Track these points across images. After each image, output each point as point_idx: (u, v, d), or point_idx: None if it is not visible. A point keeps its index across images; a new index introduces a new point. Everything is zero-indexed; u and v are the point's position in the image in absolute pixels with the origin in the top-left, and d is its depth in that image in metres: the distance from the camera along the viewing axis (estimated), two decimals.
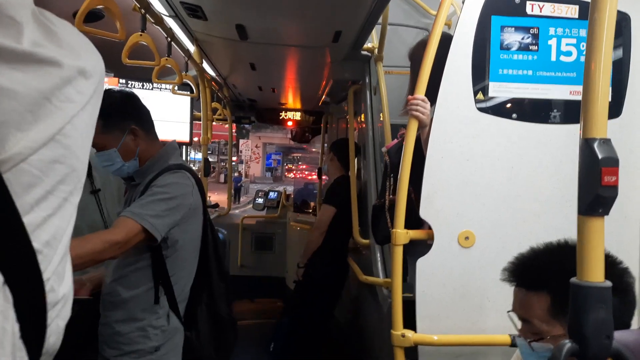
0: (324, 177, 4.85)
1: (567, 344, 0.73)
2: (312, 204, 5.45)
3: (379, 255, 2.45)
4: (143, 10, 1.74)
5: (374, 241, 2.44)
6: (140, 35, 1.73)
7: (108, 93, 1.52)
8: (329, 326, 3.36)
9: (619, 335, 0.76)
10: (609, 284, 0.75)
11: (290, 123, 5.30)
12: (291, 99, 4.70)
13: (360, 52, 2.82)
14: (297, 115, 5.20)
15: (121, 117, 1.50)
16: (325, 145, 4.97)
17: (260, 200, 5.66)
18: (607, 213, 0.76)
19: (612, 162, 0.74)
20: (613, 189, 0.74)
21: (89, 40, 0.53)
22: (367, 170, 2.79)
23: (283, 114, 5.17)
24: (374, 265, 2.44)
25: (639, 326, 0.97)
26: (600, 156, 0.74)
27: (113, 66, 2.93)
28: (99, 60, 0.54)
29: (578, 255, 0.77)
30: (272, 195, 5.68)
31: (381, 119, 2.82)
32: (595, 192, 0.74)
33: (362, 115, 3.05)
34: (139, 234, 1.38)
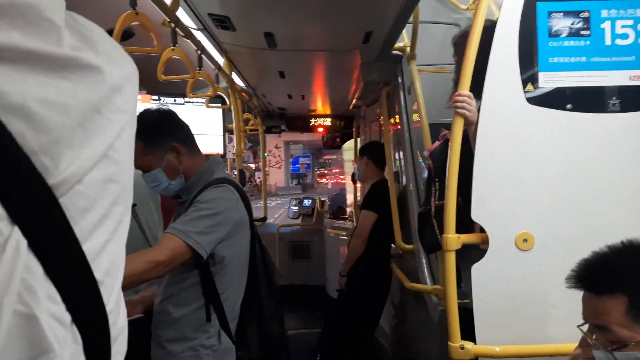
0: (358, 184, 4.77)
1: None
2: (347, 210, 5.38)
3: (424, 261, 2.35)
4: (173, 25, 1.73)
5: (420, 246, 2.34)
6: (173, 49, 1.72)
7: (144, 113, 1.52)
8: (374, 335, 3.26)
9: None
10: None
11: (320, 129, 5.26)
12: (321, 104, 4.66)
13: (391, 52, 2.75)
14: (328, 121, 5.16)
15: (161, 136, 1.48)
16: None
17: (295, 209, 5.63)
18: None
19: None
20: None
21: (120, 46, 0.50)
22: (407, 173, 2.69)
23: (313, 120, 5.14)
24: (421, 272, 2.34)
25: None
26: None
27: (142, 83, 2.96)
28: (134, 66, 0.50)
29: None
30: (306, 202, 5.64)
31: (417, 119, 2.73)
32: None
33: (397, 117, 2.96)
34: (184, 252, 1.35)
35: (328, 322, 3.38)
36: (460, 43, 1.74)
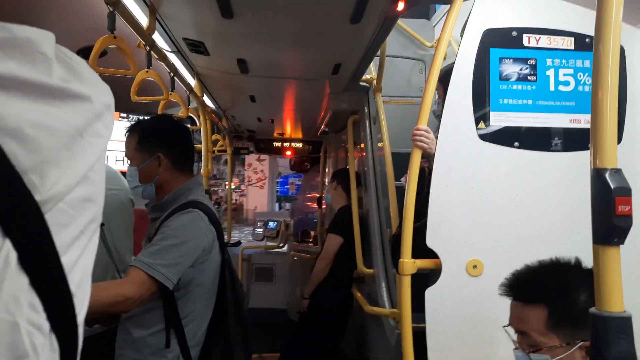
0: (323, 205, 4.85)
1: None
2: (312, 233, 5.43)
3: (384, 285, 2.43)
4: (148, 48, 1.78)
5: (380, 271, 2.42)
6: (147, 72, 1.76)
7: (162, 117, 1.64)
8: (335, 358, 3.28)
9: None
10: (629, 313, 0.75)
11: (288, 152, 5.34)
12: (290, 129, 4.75)
13: (359, 83, 2.88)
14: (296, 145, 5.25)
15: (154, 142, 1.55)
16: (326, 173, 4.99)
17: (259, 230, 5.63)
18: (622, 242, 0.76)
19: (625, 191, 0.75)
20: (627, 219, 0.75)
21: (99, 77, 0.53)
22: (369, 199, 2.79)
23: (281, 143, 5.22)
24: (379, 296, 2.41)
25: None
26: (612, 186, 0.75)
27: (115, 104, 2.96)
28: (112, 95, 0.54)
29: (596, 286, 0.78)
30: (271, 224, 5.65)
31: (380, 145, 2.85)
32: (610, 221, 0.75)
33: (362, 145, 3.08)
34: (151, 285, 1.35)
35: (289, 345, 3.38)
36: (444, 78, 1.83)
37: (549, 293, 1.03)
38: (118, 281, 1.42)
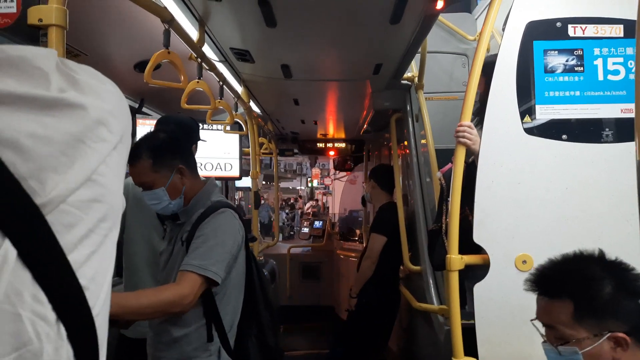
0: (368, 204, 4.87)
1: None
2: (357, 231, 5.47)
3: (431, 281, 2.43)
4: (199, 60, 1.89)
5: (427, 267, 2.43)
6: (197, 82, 1.87)
7: (158, 132, 1.58)
8: (383, 356, 3.31)
9: None
10: None
11: (332, 153, 5.40)
12: (332, 129, 4.81)
13: (400, 81, 2.89)
14: (339, 145, 5.31)
15: (171, 156, 1.55)
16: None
17: (306, 230, 5.73)
18: None
19: None
20: None
21: (113, 84, 0.56)
22: (414, 196, 2.80)
23: (324, 144, 5.29)
24: (427, 292, 2.42)
25: None
26: None
27: (164, 106, 3.15)
28: (122, 100, 0.56)
29: None
30: (317, 224, 5.75)
31: (423, 142, 2.85)
32: None
33: (405, 142, 3.09)
34: (203, 284, 1.43)
35: (338, 342, 3.44)
36: (486, 70, 1.77)
37: (573, 287, 1.05)
38: (174, 284, 1.48)
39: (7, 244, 0.42)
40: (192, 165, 1.62)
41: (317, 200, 12.95)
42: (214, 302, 1.52)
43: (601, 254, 1.09)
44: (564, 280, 1.07)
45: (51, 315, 0.44)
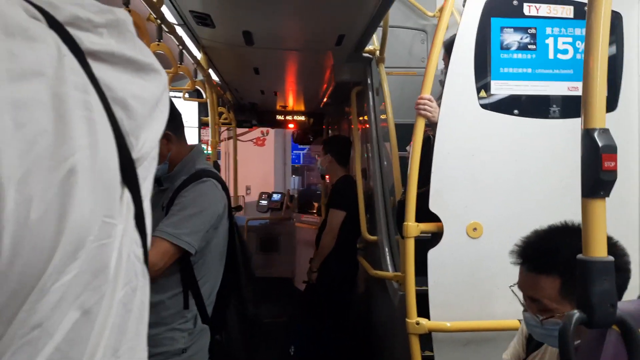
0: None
1: (576, 314, 0.81)
2: (315, 204, 5.54)
3: (387, 250, 2.53)
4: (159, 21, 1.82)
5: (383, 237, 2.52)
6: (158, 44, 1.81)
7: None
8: (342, 325, 3.42)
9: (622, 305, 0.84)
10: (611, 258, 0.83)
11: (291, 125, 5.38)
12: (292, 101, 4.78)
13: (362, 54, 2.91)
14: (298, 118, 5.29)
15: None
16: None
17: (264, 202, 5.73)
18: (607, 195, 0.84)
19: (611, 149, 0.83)
20: (612, 173, 0.83)
21: None
22: (373, 169, 2.87)
23: (284, 116, 5.26)
24: (383, 260, 2.52)
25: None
26: (600, 144, 0.83)
27: None
28: None
29: (583, 234, 0.86)
30: (275, 197, 5.76)
31: (383, 117, 2.91)
32: (597, 176, 0.83)
33: (365, 116, 3.13)
34: (175, 253, 1.43)
35: (297, 313, 3.51)
36: (451, 48, 1.85)
37: (562, 263, 1.03)
38: None
39: (127, 193, 0.47)
40: (180, 131, 1.61)
41: None
42: (192, 270, 1.52)
43: None
44: (553, 257, 1.06)
45: (142, 257, 0.51)
